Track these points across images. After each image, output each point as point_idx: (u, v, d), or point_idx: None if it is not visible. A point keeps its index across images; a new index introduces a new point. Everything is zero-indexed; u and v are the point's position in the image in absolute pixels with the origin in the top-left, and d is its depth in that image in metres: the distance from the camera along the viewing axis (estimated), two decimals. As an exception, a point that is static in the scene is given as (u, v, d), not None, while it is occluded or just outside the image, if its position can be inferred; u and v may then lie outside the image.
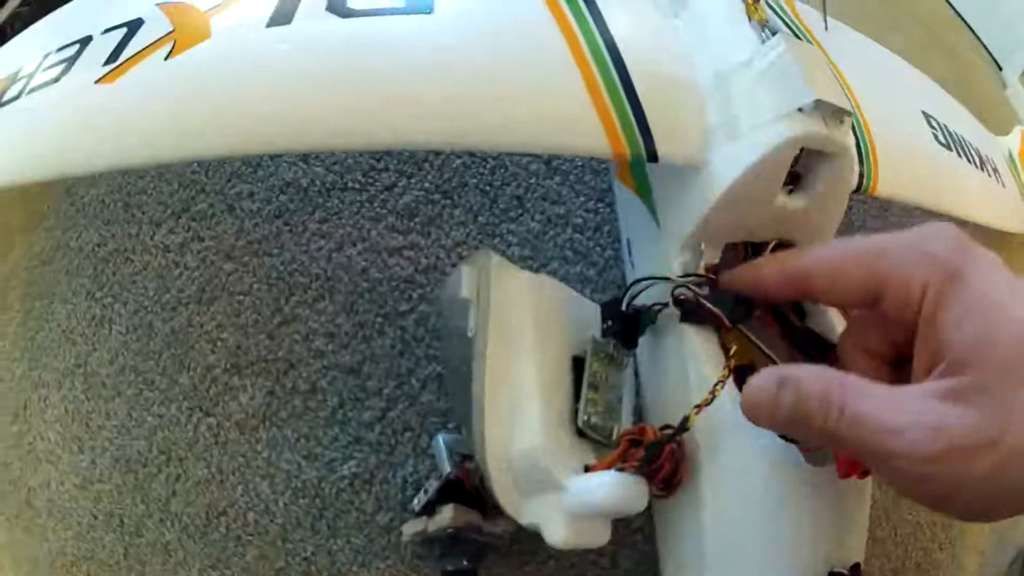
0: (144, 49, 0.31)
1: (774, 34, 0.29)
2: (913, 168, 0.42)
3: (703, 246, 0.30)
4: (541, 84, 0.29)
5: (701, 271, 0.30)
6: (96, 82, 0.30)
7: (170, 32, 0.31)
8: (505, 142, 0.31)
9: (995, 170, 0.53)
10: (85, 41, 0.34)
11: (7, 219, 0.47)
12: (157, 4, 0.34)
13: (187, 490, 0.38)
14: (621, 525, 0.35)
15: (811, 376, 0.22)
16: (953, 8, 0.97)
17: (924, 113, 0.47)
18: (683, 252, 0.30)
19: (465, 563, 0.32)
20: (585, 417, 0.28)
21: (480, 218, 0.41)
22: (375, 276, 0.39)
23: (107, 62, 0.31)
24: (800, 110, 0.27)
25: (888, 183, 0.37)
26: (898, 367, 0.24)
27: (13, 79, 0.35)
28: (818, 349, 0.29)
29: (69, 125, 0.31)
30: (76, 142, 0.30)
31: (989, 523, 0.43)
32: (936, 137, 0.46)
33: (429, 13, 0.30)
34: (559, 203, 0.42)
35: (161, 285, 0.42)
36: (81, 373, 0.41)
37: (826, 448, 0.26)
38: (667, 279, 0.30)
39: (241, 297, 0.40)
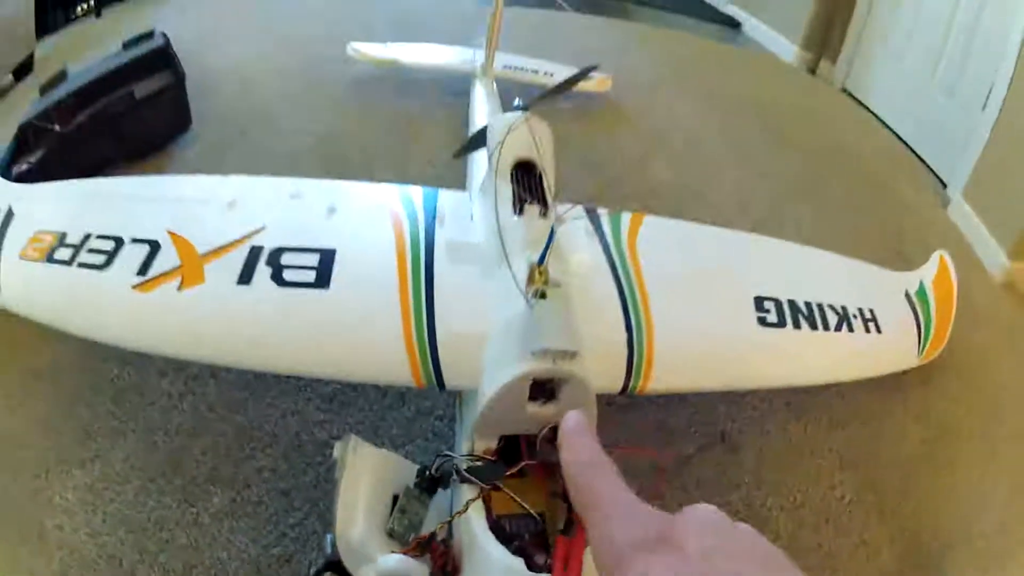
0: (163, 274, 0.53)
1: (540, 295, 0.47)
2: (710, 359, 0.57)
3: (475, 437, 0.50)
4: (376, 340, 0.51)
5: (482, 453, 0.50)
6: (133, 288, 0.52)
7: (178, 267, 0.54)
8: (346, 376, 0.55)
9: (870, 320, 0.63)
10: (119, 241, 0.55)
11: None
12: (168, 231, 0.56)
13: (173, 549, 0.62)
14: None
15: None
16: (896, 135, 1.07)
17: (757, 298, 0.61)
18: (468, 439, 0.51)
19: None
20: (391, 526, 0.51)
21: (375, 407, 0.69)
22: (304, 438, 0.66)
23: (139, 272, 0.53)
24: (533, 353, 0.42)
25: (663, 381, 0.53)
26: None
27: (61, 241, 0.55)
28: None
29: (109, 311, 0.52)
30: (111, 324, 0.52)
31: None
32: (764, 320, 0.59)
33: (327, 288, 0.54)
34: (429, 399, 0.70)
35: (164, 418, 0.66)
36: (99, 461, 0.65)
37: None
38: (451, 456, 0.50)
39: (219, 438, 0.65)
